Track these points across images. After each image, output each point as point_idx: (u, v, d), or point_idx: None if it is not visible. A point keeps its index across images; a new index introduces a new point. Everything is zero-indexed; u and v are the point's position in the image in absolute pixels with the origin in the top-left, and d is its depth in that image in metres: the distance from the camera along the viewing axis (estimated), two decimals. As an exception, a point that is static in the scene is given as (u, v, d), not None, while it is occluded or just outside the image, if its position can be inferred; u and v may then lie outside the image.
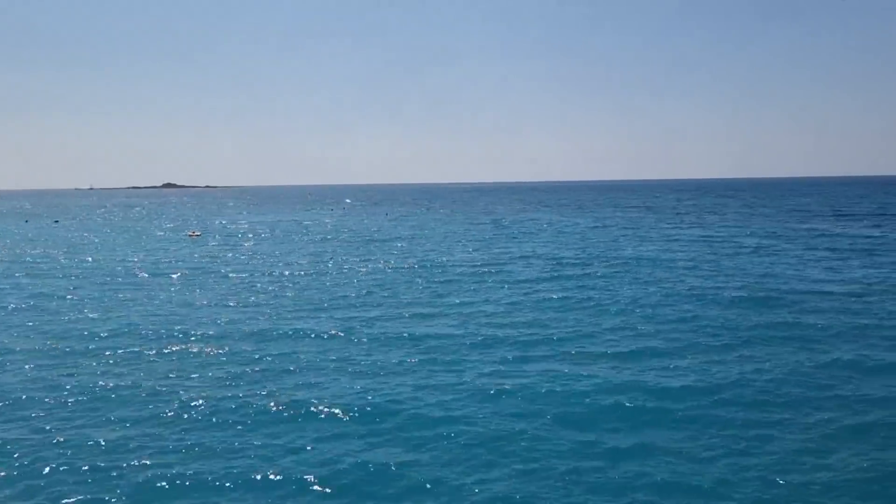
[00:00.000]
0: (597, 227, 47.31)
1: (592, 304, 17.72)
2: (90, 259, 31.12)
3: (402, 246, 35.29)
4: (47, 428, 9.48)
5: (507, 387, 10.94)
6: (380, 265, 26.80)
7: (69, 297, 20.38)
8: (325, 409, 10.04)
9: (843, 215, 53.37)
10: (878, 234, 36.36)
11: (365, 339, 14.12)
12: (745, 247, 31.37)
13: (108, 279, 24.13)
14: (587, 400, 10.37)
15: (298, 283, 22.73)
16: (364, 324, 15.85)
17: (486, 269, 25.04)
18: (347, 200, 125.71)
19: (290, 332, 15.02)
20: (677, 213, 62.31)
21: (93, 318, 16.96)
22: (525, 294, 19.55)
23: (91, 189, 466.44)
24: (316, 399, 10.47)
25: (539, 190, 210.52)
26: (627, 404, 10.12)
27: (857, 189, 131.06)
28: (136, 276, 25.01)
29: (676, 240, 35.76)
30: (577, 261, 26.55)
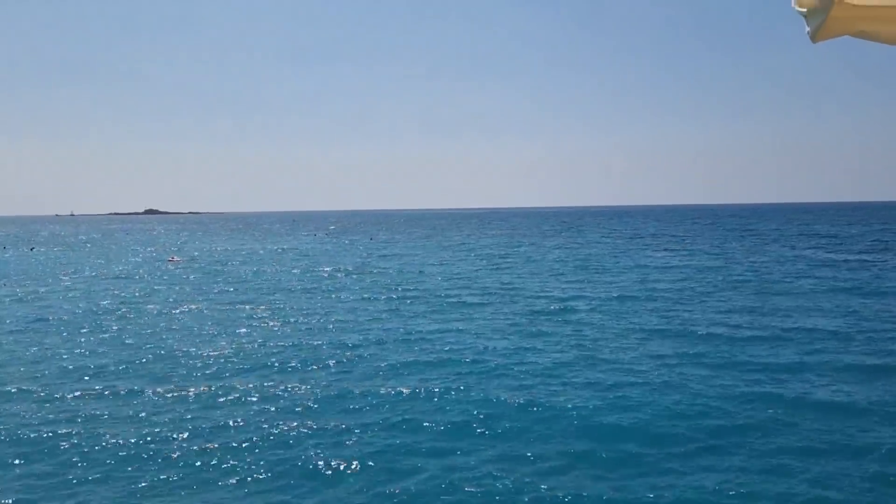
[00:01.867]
0: (587, 255, 46.98)
1: (579, 346, 17.01)
2: (60, 288, 30.08)
3: (385, 275, 34.63)
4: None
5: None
6: (363, 296, 26.08)
7: (33, 331, 19.40)
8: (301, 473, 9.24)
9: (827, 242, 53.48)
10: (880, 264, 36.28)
11: (343, 392, 13.22)
12: (735, 276, 31.10)
13: (80, 309, 23.15)
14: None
15: (281, 313, 21.93)
16: (346, 374, 15.04)
17: (469, 302, 24.43)
18: (332, 227, 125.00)
19: (273, 373, 14.22)
20: (658, 241, 62.20)
21: (58, 354, 16.02)
22: (499, 333, 18.86)
23: (72, 215, 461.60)
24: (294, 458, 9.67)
25: (519, 216, 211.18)
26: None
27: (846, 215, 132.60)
28: (111, 305, 24.06)
29: (662, 269, 35.45)
30: (565, 295, 25.84)
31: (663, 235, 68.67)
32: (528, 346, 15.80)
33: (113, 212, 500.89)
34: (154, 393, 12.19)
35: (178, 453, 9.29)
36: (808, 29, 2.23)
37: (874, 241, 51.65)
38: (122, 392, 12.27)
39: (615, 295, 24.00)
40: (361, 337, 17.15)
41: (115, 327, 19.10)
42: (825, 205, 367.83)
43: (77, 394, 12.18)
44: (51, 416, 10.99)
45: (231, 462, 9.00)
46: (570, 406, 11.06)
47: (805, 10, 2.21)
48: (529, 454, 9.15)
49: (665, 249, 47.83)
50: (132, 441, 9.76)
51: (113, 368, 14.10)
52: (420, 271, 34.88)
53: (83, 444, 9.69)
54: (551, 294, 24.73)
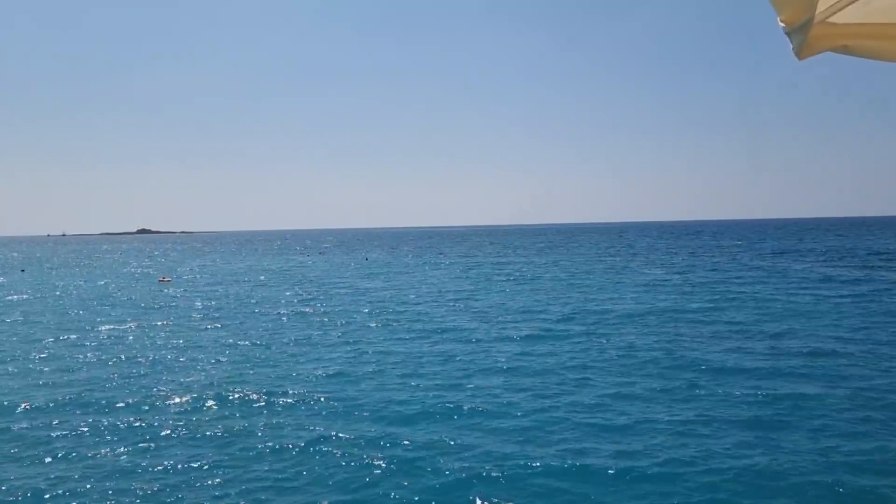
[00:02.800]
0: (583, 273, 46.57)
1: (580, 369, 16.61)
2: (47, 311, 29.46)
3: (379, 297, 34.16)
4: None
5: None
6: (355, 319, 25.60)
7: (9, 355, 18.81)
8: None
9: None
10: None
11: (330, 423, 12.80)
12: (743, 293, 30.75)
13: (63, 333, 22.56)
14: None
15: (269, 338, 21.43)
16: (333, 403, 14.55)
17: (471, 327, 23.97)
18: (326, 245, 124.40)
19: (259, 400, 13.71)
20: (663, 256, 61.86)
21: (37, 380, 15.45)
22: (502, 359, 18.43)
23: (64, 235, 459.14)
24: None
25: (515, 234, 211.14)
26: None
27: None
28: (97, 328, 23.46)
29: (659, 286, 35.08)
30: (561, 315, 25.43)
31: (658, 252, 68.43)
32: (524, 373, 15.34)
33: (105, 232, 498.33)
34: (124, 423, 11.65)
35: (142, 488, 8.76)
36: (792, 46, 2.30)
37: (870, 254, 51.47)
38: (95, 421, 11.73)
39: (611, 314, 23.56)
40: (352, 366, 16.66)
41: (97, 353, 18.52)
42: (820, 220, 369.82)
43: (49, 423, 11.64)
44: (9, 448, 10.44)
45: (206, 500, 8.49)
46: (569, 444, 10.60)
47: (788, 27, 2.27)
48: (521, 491, 8.68)
49: (661, 266, 47.51)
50: (94, 473, 9.23)
51: (88, 396, 13.54)
52: (415, 293, 34.43)
53: (46, 476, 9.15)
54: (547, 315, 24.30)
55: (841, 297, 27.13)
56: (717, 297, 28.12)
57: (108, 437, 10.97)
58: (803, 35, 2.22)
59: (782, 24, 2.28)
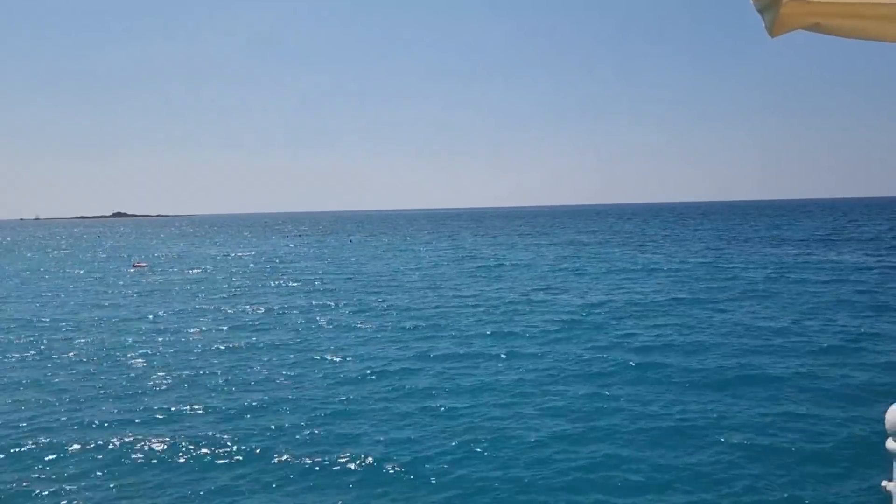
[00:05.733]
0: (566, 257, 45.87)
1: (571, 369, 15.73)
2: (11, 297, 27.90)
3: (361, 283, 33.08)
4: None
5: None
6: (340, 309, 24.52)
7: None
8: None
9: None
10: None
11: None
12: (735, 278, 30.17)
13: (27, 322, 21.15)
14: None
15: (255, 326, 20.29)
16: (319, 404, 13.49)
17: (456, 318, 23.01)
18: (304, 227, 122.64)
19: (246, 400, 12.61)
20: (636, 240, 61.48)
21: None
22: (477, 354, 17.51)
23: (37, 219, 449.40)
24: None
25: (503, 216, 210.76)
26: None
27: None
28: (61, 318, 22.06)
29: (646, 271, 34.43)
30: (546, 301, 24.53)
31: (640, 235, 68.06)
32: (513, 367, 14.42)
33: (80, 215, 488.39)
34: (91, 424, 10.49)
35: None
36: (764, 23, 2.31)
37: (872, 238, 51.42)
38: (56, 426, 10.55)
39: (594, 301, 22.60)
40: (333, 359, 15.63)
41: (60, 346, 17.22)
42: (807, 201, 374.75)
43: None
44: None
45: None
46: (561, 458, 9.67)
47: (760, 4, 2.28)
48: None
49: (649, 251, 46.92)
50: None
51: (41, 395, 12.33)
52: (397, 278, 33.40)
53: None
54: (532, 301, 23.40)
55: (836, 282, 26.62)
56: (711, 283, 27.50)
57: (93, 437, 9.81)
58: (775, 12, 2.22)
59: (754, 2, 2.29)
